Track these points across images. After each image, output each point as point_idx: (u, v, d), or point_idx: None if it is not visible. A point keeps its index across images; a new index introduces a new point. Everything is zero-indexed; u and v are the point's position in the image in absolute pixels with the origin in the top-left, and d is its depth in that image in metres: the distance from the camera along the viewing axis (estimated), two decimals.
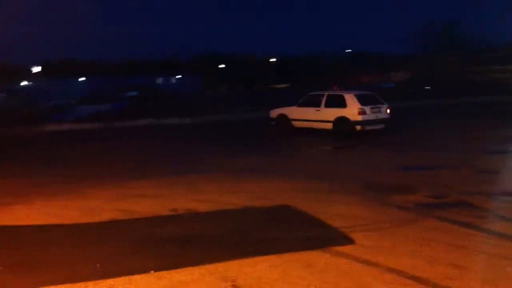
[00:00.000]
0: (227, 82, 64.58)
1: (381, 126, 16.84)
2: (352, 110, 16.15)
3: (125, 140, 19.66)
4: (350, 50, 78.46)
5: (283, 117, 18.20)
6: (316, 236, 6.06)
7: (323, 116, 16.89)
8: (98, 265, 5.21)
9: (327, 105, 16.89)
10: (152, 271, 4.97)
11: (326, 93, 17.40)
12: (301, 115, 17.63)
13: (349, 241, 5.78)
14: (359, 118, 16.01)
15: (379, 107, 16.76)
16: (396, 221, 6.64)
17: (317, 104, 17.19)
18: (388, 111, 16.95)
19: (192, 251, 5.61)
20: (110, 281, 4.76)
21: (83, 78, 62.32)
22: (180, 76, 70.29)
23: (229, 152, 14.60)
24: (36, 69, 60.20)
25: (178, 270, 5.01)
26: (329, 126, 16.68)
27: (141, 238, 6.14)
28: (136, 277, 4.85)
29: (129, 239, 6.11)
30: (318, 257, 5.24)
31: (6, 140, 20.89)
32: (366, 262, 5.06)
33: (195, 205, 7.81)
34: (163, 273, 4.94)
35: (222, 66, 75.31)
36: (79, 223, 6.96)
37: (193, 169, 11.37)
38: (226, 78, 66.12)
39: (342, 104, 16.46)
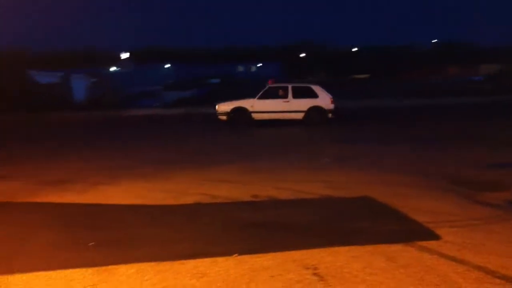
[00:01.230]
0: (310, 71, 64.01)
1: None
2: (325, 99, 18.23)
3: (207, 126, 20.15)
4: (436, 40, 75.33)
5: (241, 110, 18.44)
6: (399, 229, 5.94)
7: (294, 106, 18.28)
8: (182, 246, 5.41)
9: (295, 97, 18.26)
10: (236, 255, 5.10)
11: (290, 85, 18.56)
12: (265, 107, 18.34)
13: (434, 236, 5.61)
14: (331, 106, 18.19)
15: None
16: (485, 219, 6.36)
17: (283, 96, 18.30)
18: None
19: (274, 237, 5.68)
20: (195, 262, 4.92)
21: (168, 65, 64.22)
22: (260, 64, 70.67)
23: (305, 140, 14.66)
24: (124, 55, 62.63)
25: (260, 255, 5.10)
26: (300, 116, 18.28)
27: (225, 222, 6.29)
28: (220, 259, 4.99)
29: (213, 222, 6.29)
30: (401, 251, 5.14)
31: (97, 123, 22.03)
32: (453, 259, 4.90)
33: (275, 192, 7.88)
34: (246, 257, 5.04)
35: (303, 55, 74.97)
36: (165, 205, 7.25)
37: (272, 156, 11.48)
38: (309, 66, 65.61)
39: (312, 95, 18.30)
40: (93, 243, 5.54)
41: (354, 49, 75.77)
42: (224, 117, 18.70)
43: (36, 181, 9.07)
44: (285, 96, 18.28)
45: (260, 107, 18.33)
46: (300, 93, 18.31)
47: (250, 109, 18.39)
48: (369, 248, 5.25)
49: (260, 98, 18.38)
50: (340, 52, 75.32)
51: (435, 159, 11.07)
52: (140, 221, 6.45)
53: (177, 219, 6.53)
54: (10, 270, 4.76)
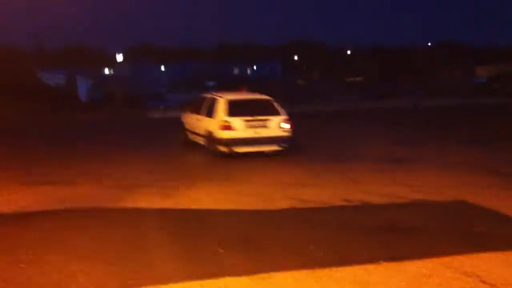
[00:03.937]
0: (303, 72, 63.83)
1: None
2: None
3: None
4: (430, 44, 75.50)
5: None
6: None
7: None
8: (321, 253, 5.25)
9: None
10: (381, 261, 4.95)
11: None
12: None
13: None
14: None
15: None
16: None
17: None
18: None
19: (407, 243, 5.56)
20: (349, 269, 4.76)
21: (162, 67, 63.88)
22: (255, 65, 70.46)
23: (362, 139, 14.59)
24: (119, 56, 62.17)
25: (408, 262, 4.96)
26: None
27: (342, 227, 6.15)
28: (370, 266, 4.84)
29: (330, 227, 6.14)
30: None
31: (123, 124, 21.56)
32: None
33: (364, 196, 7.74)
34: (394, 265, 4.90)
35: (295, 57, 74.89)
36: (265, 210, 7.07)
37: (337, 158, 11.37)
38: (301, 67, 65.52)
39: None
40: (222, 250, 5.36)
41: (347, 51, 75.87)
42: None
43: (107, 185, 8.80)
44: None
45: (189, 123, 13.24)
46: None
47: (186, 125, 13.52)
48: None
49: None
50: (333, 52, 75.08)
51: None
52: (252, 226, 6.27)
53: (290, 224, 6.37)
54: (161, 281, 4.55)
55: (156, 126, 20.60)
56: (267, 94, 12.58)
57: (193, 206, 7.30)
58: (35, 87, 25.98)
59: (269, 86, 37.92)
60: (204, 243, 5.58)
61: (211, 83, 54.64)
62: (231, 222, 6.48)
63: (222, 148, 11.22)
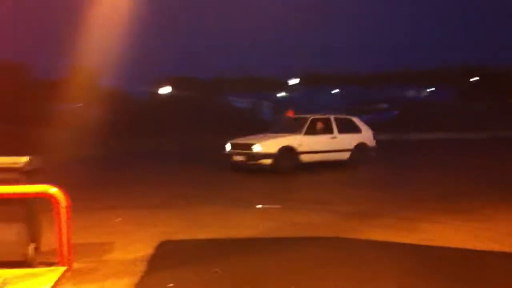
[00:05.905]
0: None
1: None
2: (368, 134, 15.97)
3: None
4: None
5: (288, 149, 14.17)
6: None
7: (341, 144, 15.26)
8: None
9: (340, 131, 15.41)
10: None
11: (332, 117, 15.48)
12: (314, 145, 14.81)
13: None
14: (374, 143, 16.08)
15: None
16: None
17: (327, 131, 15.31)
18: None
19: None
20: None
21: (337, 90, 63.91)
22: (433, 88, 66.88)
23: None
24: (293, 81, 63.35)
25: None
26: (346, 156, 15.39)
27: None
28: None
29: None
30: None
31: None
32: None
33: None
34: None
35: (475, 78, 69.46)
36: None
37: None
38: (479, 92, 60.10)
39: (355, 129, 15.83)
40: None
41: None
42: (268, 161, 13.90)
43: (333, 211, 8.46)
44: (329, 131, 15.01)
45: (308, 145, 14.45)
46: (344, 127, 15.33)
47: (298, 149, 14.30)
48: None
49: (306, 133, 14.60)
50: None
51: None
52: None
53: None
54: None
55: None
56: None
57: (448, 244, 6.45)
58: (227, 110, 27.36)
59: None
60: None
61: (384, 105, 53.39)
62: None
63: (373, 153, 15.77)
